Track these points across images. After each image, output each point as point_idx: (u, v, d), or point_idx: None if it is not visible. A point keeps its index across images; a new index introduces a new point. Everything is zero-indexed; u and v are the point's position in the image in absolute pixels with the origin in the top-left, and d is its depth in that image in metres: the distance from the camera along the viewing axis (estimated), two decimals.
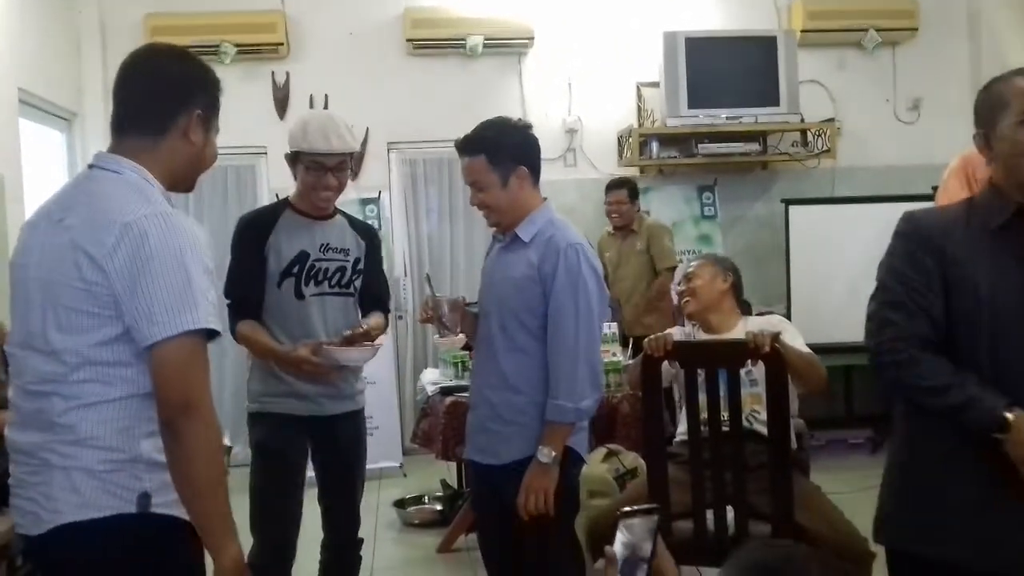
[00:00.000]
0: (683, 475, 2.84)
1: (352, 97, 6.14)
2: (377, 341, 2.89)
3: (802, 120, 6.14)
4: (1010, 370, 1.77)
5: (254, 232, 2.83)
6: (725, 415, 2.77)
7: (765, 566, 1.10)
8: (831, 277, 5.64)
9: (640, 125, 6.29)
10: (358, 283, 2.92)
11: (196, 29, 5.86)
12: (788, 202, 5.98)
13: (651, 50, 6.08)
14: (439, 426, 4.06)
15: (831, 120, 6.31)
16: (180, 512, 1.68)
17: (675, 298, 5.33)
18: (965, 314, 1.79)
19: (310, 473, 2.92)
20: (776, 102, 6.00)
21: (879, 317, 1.88)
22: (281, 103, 6.15)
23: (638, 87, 6.38)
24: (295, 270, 2.81)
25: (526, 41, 6.24)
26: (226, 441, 4.82)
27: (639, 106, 6.39)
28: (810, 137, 6.20)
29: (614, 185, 5.58)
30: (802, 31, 6.28)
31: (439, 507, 4.77)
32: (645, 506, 1.23)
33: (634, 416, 3.78)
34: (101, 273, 1.61)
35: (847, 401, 6.25)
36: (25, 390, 1.70)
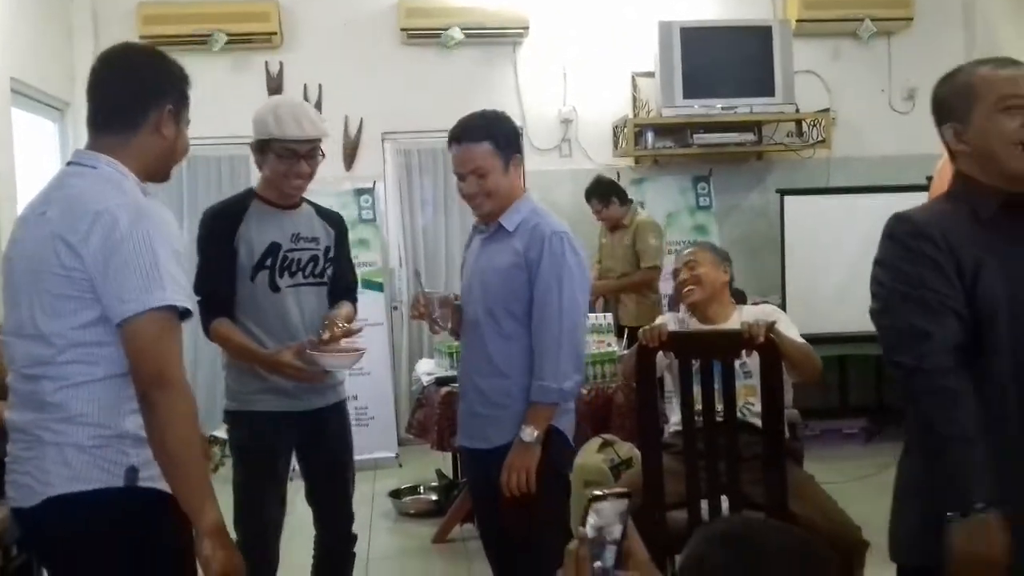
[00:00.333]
0: (677, 465, 2.84)
1: (346, 87, 6.13)
2: (358, 342, 2.80)
3: (797, 110, 6.13)
4: None
5: (222, 224, 2.74)
6: (720, 407, 2.77)
7: (728, 533, 1.16)
8: (826, 267, 5.65)
9: (635, 115, 6.27)
10: (330, 272, 2.85)
11: (188, 18, 5.84)
12: (783, 192, 5.98)
13: (646, 40, 6.06)
14: (434, 416, 4.06)
15: (826, 110, 6.30)
16: (166, 486, 1.77)
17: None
18: (981, 307, 1.75)
19: (297, 466, 2.87)
20: (771, 92, 5.99)
21: (906, 328, 1.77)
22: (275, 93, 6.11)
23: (633, 77, 6.36)
24: (268, 262, 2.73)
25: (521, 31, 6.22)
26: (221, 433, 4.78)
27: (634, 96, 6.37)
28: (805, 127, 6.20)
29: (585, 196, 5.55)
30: (797, 21, 6.26)
31: (434, 497, 4.77)
32: (616, 490, 1.24)
33: (629, 406, 3.79)
34: (78, 259, 1.73)
35: (841, 391, 6.27)
36: (20, 374, 1.83)
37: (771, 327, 2.72)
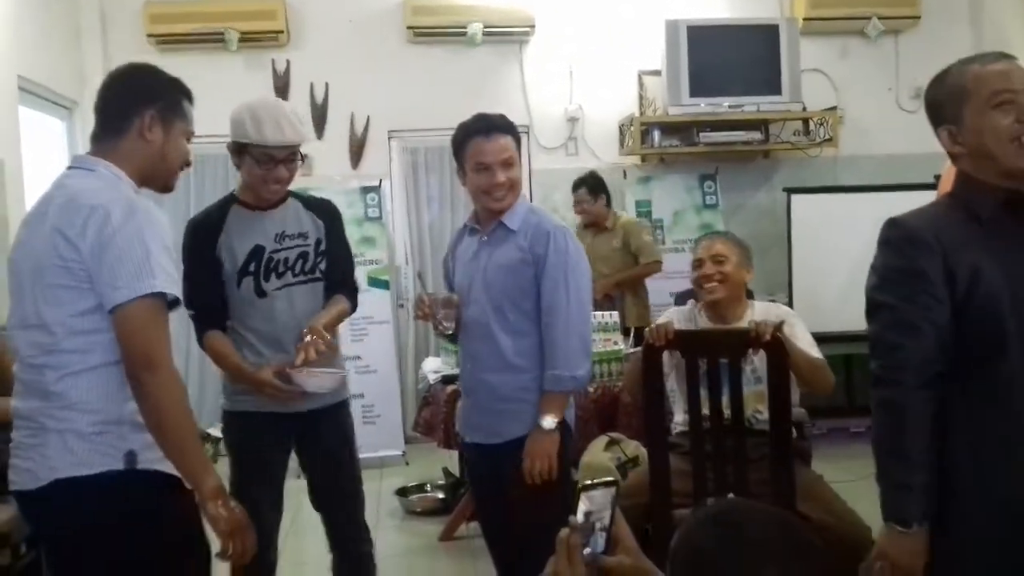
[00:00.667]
0: (684, 465, 2.84)
1: (353, 85, 6.14)
2: (343, 352, 2.69)
3: (804, 109, 6.12)
4: None
5: (203, 234, 2.70)
6: (728, 412, 2.75)
7: (717, 516, 1.20)
8: (833, 266, 5.62)
9: (642, 114, 6.27)
10: (323, 266, 2.75)
11: (196, 16, 5.84)
12: (790, 191, 5.96)
13: (653, 38, 6.05)
14: (440, 414, 4.07)
15: (833, 109, 6.29)
16: (166, 467, 1.89)
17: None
18: (984, 307, 1.74)
19: (296, 464, 2.84)
20: (778, 90, 5.97)
21: (885, 340, 1.80)
22: (281, 91, 6.12)
23: (640, 75, 6.36)
24: (252, 267, 2.67)
25: (527, 29, 6.22)
26: (215, 431, 4.79)
27: (641, 95, 6.36)
28: (812, 126, 6.18)
29: (574, 185, 5.51)
30: (804, 19, 6.25)
31: (441, 495, 4.78)
32: (606, 479, 1.29)
33: (635, 405, 3.78)
34: (75, 251, 1.84)
35: (848, 389, 6.25)
36: (25, 364, 1.93)
37: (779, 327, 2.71)
